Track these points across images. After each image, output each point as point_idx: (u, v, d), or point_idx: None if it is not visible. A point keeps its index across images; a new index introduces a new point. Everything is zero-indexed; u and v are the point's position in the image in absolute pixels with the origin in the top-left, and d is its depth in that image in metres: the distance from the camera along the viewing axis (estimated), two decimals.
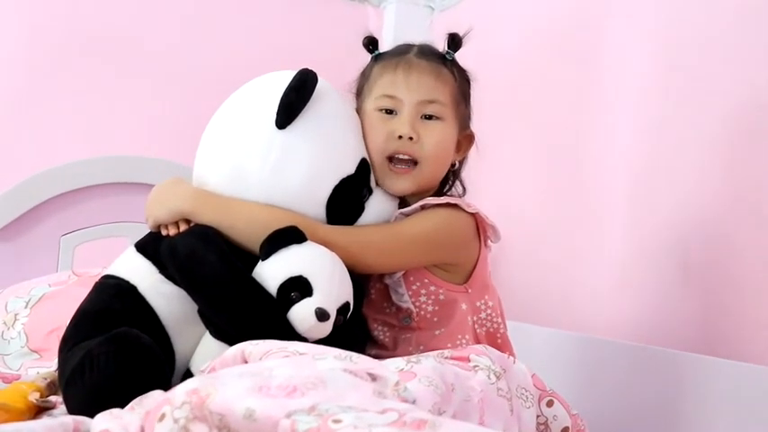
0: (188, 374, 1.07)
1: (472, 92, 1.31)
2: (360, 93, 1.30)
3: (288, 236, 1.08)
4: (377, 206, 1.22)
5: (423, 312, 1.22)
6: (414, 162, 1.23)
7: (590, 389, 1.58)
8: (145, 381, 0.94)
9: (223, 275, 1.04)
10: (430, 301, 1.22)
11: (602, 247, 1.72)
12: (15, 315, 1.51)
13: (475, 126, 1.33)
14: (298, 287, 1.04)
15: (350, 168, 1.17)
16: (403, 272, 1.21)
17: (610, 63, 1.76)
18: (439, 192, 1.30)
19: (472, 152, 1.33)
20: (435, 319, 1.22)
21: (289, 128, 1.13)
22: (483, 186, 1.42)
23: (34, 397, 1.04)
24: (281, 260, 1.06)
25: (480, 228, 1.24)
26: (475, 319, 1.25)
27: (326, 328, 1.04)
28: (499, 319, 1.28)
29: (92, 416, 0.86)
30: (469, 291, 1.24)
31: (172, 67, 2.28)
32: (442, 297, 1.22)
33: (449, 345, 1.18)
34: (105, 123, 2.19)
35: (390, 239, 1.19)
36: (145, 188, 1.65)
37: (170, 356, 1.08)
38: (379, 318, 1.25)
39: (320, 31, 2.46)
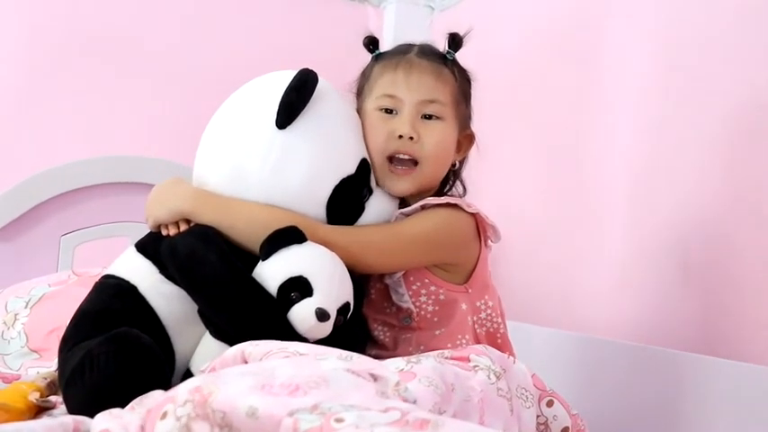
0: (188, 374, 1.07)
1: (473, 92, 1.31)
2: (360, 92, 1.30)
3: (288, 236, 1.08)
4: (377, 206, 1.22)
5: (423, 312, 1.22)
6: (414, 162, 1.23)
7: (590, 389, 1.58)
8: (145, 381, 0.94)
9: (223, 275, 1.04)
10: (430, 301, 1.22)
11: (602, 247, 1.72)
12: (15, 315, 1.51)
13: (475, 126, 1.33)
14: (298, 287, 1.04)
15: (350, 168, 1.17)
16: (403, 272, 1.21)
17: (610, 63, 1.76)
18: (439, 192, 1.30)
19: (472, 152, 1.33)
20: (435, 319, 1.22)
21: (289, 128, 1.13)
22: (483, 186, 1.42)
23: (34, 397, 1.04)
24: (282, 260, 1.06)
25: (480, 228, 1.24)
26: (475, 319, 1.25)
27: (327, 328, 1.04)
28: (499, 319, 1.28)
29: (92, 416, 0.86)
30: (470, 291, 1.24)
31: (172, 67, 2.28)
32: (442, 297, 1.22)
33: (449, 345, 1.18)
34: (105, 123, 2.19)
35: (391, 239, 1.19)
36: (145, 188, 1.65)
37: (170, 356, 1.08)
38: (380, 318, 1.25)
39: (320, 31, 2.46)
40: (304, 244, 1.08)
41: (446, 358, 1.01)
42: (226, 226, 1.12)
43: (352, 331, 1.12)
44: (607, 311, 1.68)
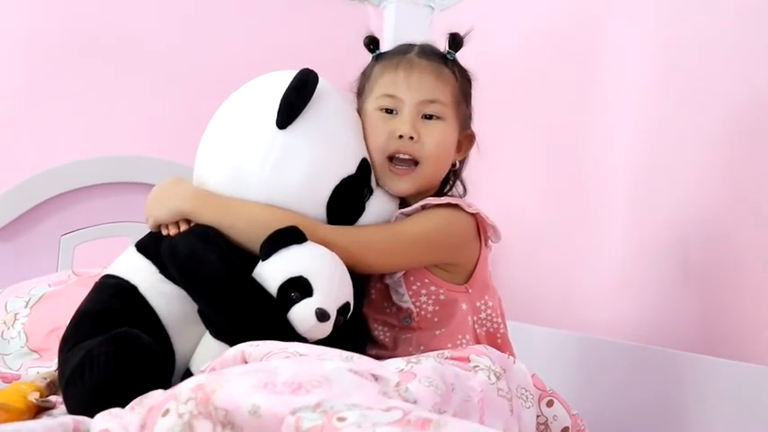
0: (188, 374, 1.07)
1: (473, 92, 1.31)
2: (360, 92, 1.30)
3: (288, 236, 1.08)
4: (377, 206, 1.22)
5: (423, 312, 1.22)
6: (414, 162, 1.23)
7: (590, 389, 1.58)
8: (145, 381, 0.94)
9: (223, 275, 1.04)
10: (430, 301, 1.21)
11: (602, 247, 1.72)
12: (15, 315, 1.51)
13: (475, 126, 1.33)
14: (298, 287, 1.04)
15: (350, 168, 1.17)
16: (403, 272, 1.21)
17: (610, 63, 1.76)
18: (440, 192, 1.30)
19: (473, 152, 1.33)
20: (436, 320, 1.22)
21: (289, 128, 1.13)
22: (483, 186, 1.42)
23: (34, 397, 1.04)
24: (282, 260, 1.06)
25: (481, 228, 1.24)
26: (475, 319, 1.25)
27: (327, 328, 1.04)
28: (499, 319, 1.28)
29: (92, 416, 0.86)
30: (470, 291, 1.24)
31: (172, 67, 2.28)
32: (442, 297, 1.22)
33: (449, 345, 1.18)
34: (105, 123, 2.19)
35: (391, 239, 1.19)
36: (145, 188, 1.65)
37: (170, 356, 1.08)
38: (380, 318, 1.25)
39: (320, 30, 2.46)
40: (304, 244, 1.08)
41: (446, 358, 1.01)
42: (226, 226, 1.12)
43: (352, 331, 1.12)
44: (607, 311, 1.68)
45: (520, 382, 1.05)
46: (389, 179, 1.23)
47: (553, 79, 1.95)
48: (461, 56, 1.29)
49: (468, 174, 1.35)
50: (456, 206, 1.22)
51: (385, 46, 1.32)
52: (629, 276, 1.63)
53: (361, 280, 1.17)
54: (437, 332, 1.22)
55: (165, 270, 1.10)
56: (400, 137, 1.21)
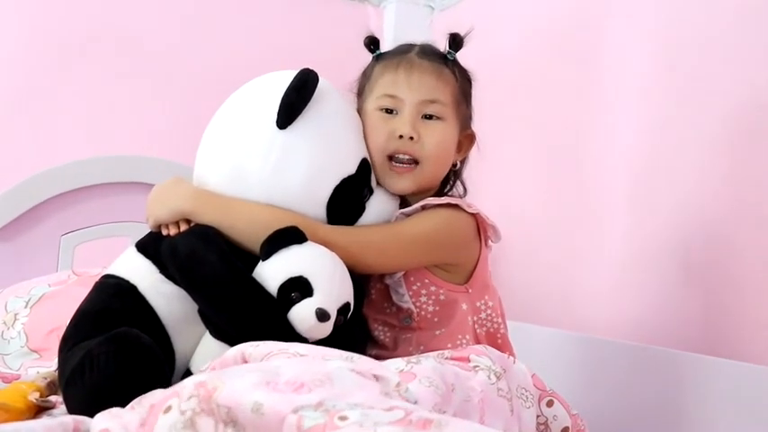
0: (188, 374, 1.07)
1: (473, 92, 1.31)
2: (361, 92, 1.30)
3: (288, 236, 1.08)
4: (377, 206, 1.22)
5: (423, 312, 1.22)
6: (415, 162, 1.23)
7: (590, 389, 1.58)
8: (145, 381, 0.94)
9: (223, 275, 1.04)
10: (430, 302, 1.21)
11: (603, 247, 1.72)
12: (15, 315, 1.51)
13: (475, 126, 1.33)
14: (298, 287, 1.03)
15: (351, 168, 1.17)
16: (403, 272, 1.21)
17: (610, 63, 1.76)
18: (440, 192, 1.30)
19: (473, 152, 1.33)
20: (436, 320, 1.22)
21: (289, 128, 1.13)
22: (483, 186, 1.42)
23: (34, 397, 1.04)
24: (282, 260, 1.06)
25: (481, 228, 1.24)
26: (475, 319, 1.25)
27: (327, 328, 1.04)
28: (499, 320, 1.28)
29: (92, 416, 0.85)
30: (470, 291, 1.24)
31: (172, 67, 2.28)
32: (442, 297, 1.22)
33: (449, 345, 1.18)
34: (105, 123, 2.19)
35: (391, 240, 1.19)
36: (145, 188, 1.65)
37: (170, 356, 1.08)
38: (380, 318, 1.25)
39: (320, 30, 2.46)
40: (304, 244, 1.08)
41: (446, 358, 1.01)
42: (226, 226, 1.12)
43: (353, 331, 1.12)
44: (607, 311, 1.68)
45: (520, 382, 1.05)
46: (389, 177, 1.23)
47: (553, 79, 1.95)
48: (461, 56, 1.29)
49: (468, 174, 1.35)
50: (456, 206, 1.22)
51: (385, 46, 1.32)
52: (630, 276, 1.63)
53: (362, 280, 1.17)
54: (437, 332, 1.22)
55: (165, 270, 1.10)
56: (400, 137, 1.21)
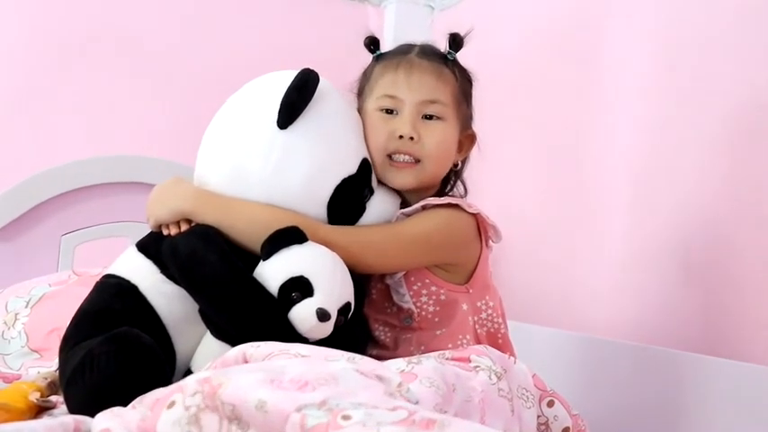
0: (188, 374, 1.07)
1: (473, 92, 1.31)
2: (361, 92, 1.30)
3: (289, 236, 1.08)
4: (378, 206, 1.22)
5: (424, 312, 1.22)
6: (415, 160, 1.23)
7: (591, 389, 1.58)
8: (145, 380, 0.94)
9: (224, 275, 1.04)
10: (431, 302, 1.21)
11: (603, 247, 1.72)
12: (16, 315, 1.51)
13: (475, 126, 1.33)
14: (299, 287, 1.03)
15: (351, 168, 1.17)
16: (404, 272, 1.21)
17: (610, 63, 1.76)
18: (441, 192, 1.30)
19: (473, 152, 1.33)
20: (436, 320, 1.22)
21: (290, 128, 1.13)
22: (483, 186, 1.42)
23: (35, 397, 1.04)
24: (282, 260, 1.06)
25: (481, 228, 1.24)
26: (476, 319, 1.25)
27: (327, 328, 1.04)
28: (500, 320, 1.28)
29: (92, 415, 0.85)
30: (470, 291, 1.24)
31: (172, 67, 2.28)
32: (443, 297, 1.22)
33: (450, 345, 1.18)
34: (105, 123, 2.19)
35: (391, 240, 1.19)
36: (145, 188, 1.65)
37: (171, 356, 1.08)
38: (381, 318, 1.25)
39: (321, 30, 2.46)
40: (305, 244, 1.08)
41: (447, 359, 1.01)
42: (227, 226, 1.12)
43: (353, 331, 1.12)
44: (607, 311, 1.68)
45: (521, 383, 1.05)
46: (390, 173, 1.23)
47: (553, 79, 1.95)
48: (462, 56, 1.29)
49: (468, 174, 1.35)
50: (456, 206, 1.22)
51: (385, 46, 1.32)
52: (630, 276, 1.63)
53: (362, 280, 1.17)
54: (438, 332, 1.22)
55: (165, 270, 1.10)
56: (400, 137, 1.21)
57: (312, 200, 1.15)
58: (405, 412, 0.68)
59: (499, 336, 1.27)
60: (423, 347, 1.20)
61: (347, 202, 1.17)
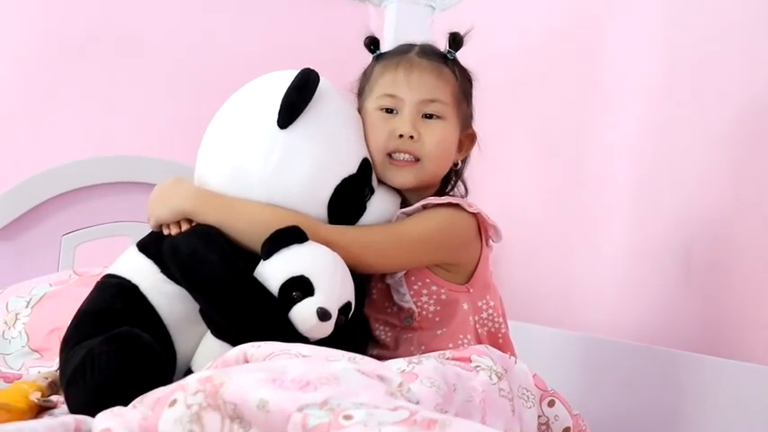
0: (189, 374, 1.06)
1: (473, 91, 1.31)
2: (361, 92, 1.30)
3: (289, 235, 1.08)
4: (379, 206, 1.22)
5: (424, 312, 1.22)
6: (416, 159, 1.23)
7: (592, 389, 1.58)
8: (146, 380, 0.94)
9: (224, 275, 1.04)
10: (431, 301, 1.21)
11: (604, 248, 1.72)
12: (16, 314, 1.51)
13: (476, 126, 1.33)
14: (299, 287, 1.04)
15: (352, 168, 1.17)
16: (404, 272, 1.21)
17: (610, 63, 1.76)
18: (441, 191, 1.30)
19: (474, 152, 1.33)
20: (437, 319, 1.22)
21: (290, 127, 1.13)
22: (484, 186, 1.42)
23: (35, 396, 1.04)
24: (283, 260, 1.06)
25: (482, 227, 1.24)
26: (476, 318, 1.25)
27: (328, 327, 1.04)
28: (500, 319, 1.28)
29: (93, 415, 0.85)
30: (471, 291, 1.24)
31: (172, 67, 2.28)
32: (443, 297, 1.22)
33: (450, 345, 1.18)
34: (105, 123, 2.19)
35: (392, 239, 1.19)
36: (145, 188, 1.65)
37: (171, 356, 1.08)
38: (381, 318, 1.25)
39: (321, 30, 2.46)
40: (305, 243, 1.08)
41: (447, 359, 1.01)
42: (227, 225, 1.12)
43: (354, 331, 1.12)
44: (609, 311, 1.68)
45: (521, 383, 1.05)
46: (390, 172, 1.23)
47: (553, 79, 1.95)
48: (462, 55, 1.29)
49: (469, 173, 1.35)
50: (457, 206, 1.22)
51: (385, 46, 1.32)
52: (632, 276, 1.63)
53: (363, 280, 1.17)
54: (438, 332, 1.22)
55: (166, 270, 1.10)
56: (400, 136, 1.21)
57: (312, 199, 1.15)
58: (406, 412, 0.68)
59: (500, 335, 1.27)
60: (423, 347, 1.20)
61: (347, 201, 1.17)
